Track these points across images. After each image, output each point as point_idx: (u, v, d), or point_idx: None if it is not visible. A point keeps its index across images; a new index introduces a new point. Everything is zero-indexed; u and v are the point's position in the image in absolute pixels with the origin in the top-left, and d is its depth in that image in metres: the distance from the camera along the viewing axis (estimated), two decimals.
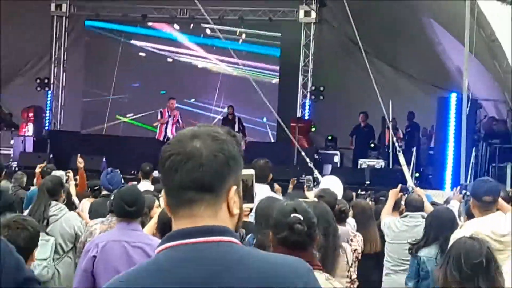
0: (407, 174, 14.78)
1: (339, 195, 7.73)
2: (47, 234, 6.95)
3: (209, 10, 19.14)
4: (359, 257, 7.27)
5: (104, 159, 18.21)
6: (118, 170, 8.94)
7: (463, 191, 9.97)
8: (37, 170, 10.88)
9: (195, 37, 22.62)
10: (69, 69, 23.92)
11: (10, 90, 23.64)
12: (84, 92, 23.39)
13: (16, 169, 16.38)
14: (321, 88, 21.64)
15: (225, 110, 21.15)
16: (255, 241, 4.49)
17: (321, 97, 21.71)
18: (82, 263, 5.44)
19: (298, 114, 21.62)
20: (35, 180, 10.63)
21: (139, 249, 5.31)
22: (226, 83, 22.33)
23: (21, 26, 22.48)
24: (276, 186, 11.05)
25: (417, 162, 18.27)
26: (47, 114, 23.53)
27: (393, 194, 8.79)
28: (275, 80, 22.08)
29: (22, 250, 3.91)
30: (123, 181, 8.85)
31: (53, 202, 7.20)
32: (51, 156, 18.97)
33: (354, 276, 6.62)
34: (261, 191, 6.41)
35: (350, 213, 8.34)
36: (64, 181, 7.78)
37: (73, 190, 9.07)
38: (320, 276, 3.45)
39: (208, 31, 22.13)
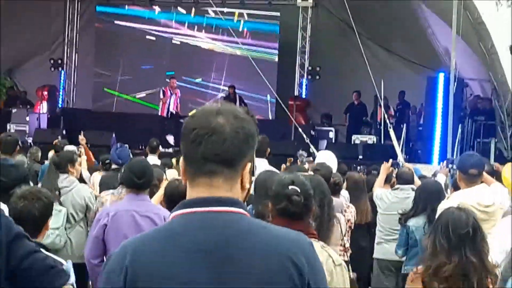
0: (398, 149, 14.77)
1: (334, 169, 7.74)
2: (60, 204, 6.96)
3: None
4: (352, 227, 7.29)
5: (113, 135, 18.20)
6: (127, 145, 8.95)
7: (450, 165, 10.00)
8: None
9: (199, 17, 22.46)
10: (81, 50, 23.84)
11: (25, 70, 23.61)
12: (95, 72, 23.32)
13: (31, 144, 16.36)
14: (318, 69, 21.58)
15: (227, 89, 21.05)
16: (254, 211, 4.49)
17: (318, 77, 21.66)
18: (94, 231, 5.47)
19: (296, 93, 21.58)
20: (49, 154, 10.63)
21: (147, 218, 5.33)
22: (230, 63, 22.21)
23: (37, 10, 22.37)
24: (284, 166, 11.03)
25: (407, 138, 18.25)
26: (60, 93, 23.51)
27: (384, 168, 8.78)
28: (275, 59, 21.97)
29: (37, 220, 3.93)
30: (131, 155, 8.84)
31: (65, 175, 7.19)
32: (64, 132, 18.95)
33: (347, 244, 6.65)
34: (260, 165, 6.42)
35: (344, 185, 8.36)
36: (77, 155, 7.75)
37: (84, 164, 9.06)
38: (316, 244, 3.44)
39: (211, 13, 22.00)
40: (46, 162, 9.93)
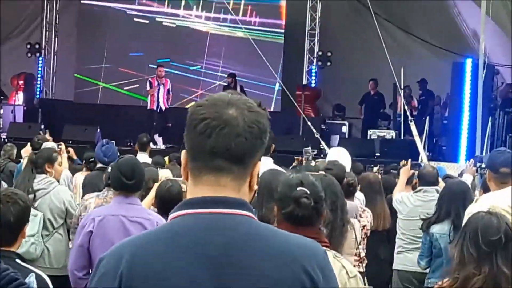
0: (420, 146, 14.77)
1: (348, 168, 7.74)
2: (35, 209, 6.94)
3: None
4: (368, 234, 7.29)
5: (98, 130, 18.22)
6: (114, 142, 8.95)
7: (478, 164, 9.99)
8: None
9: None
10: (61, 33, 23.77)
11: None
12: (77, 59, 23.28)
13: (6, 140, 16.38)
14: (329, 54, 21.54)
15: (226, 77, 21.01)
16: (257, 215, 4.49)
17: (329, 63, 21.62)
18: (78, 239, 5.47)
19: (304, 82, 21.57)
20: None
21: (137, 224, 5.32)
22: (229, 46, 22.15)
23: None
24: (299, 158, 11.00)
25: (430, 132, 18.23)
26: (38, 82, 23.46)
27: (404, 172, 8.76)
28: (280, 40, 21.93)
29: (12, 226, 3.91)
30: (118, 153, 8.84)
31: (42, 176, 7.19)
32: (42, 126, 18.96)
33: (362, 254, 6.65)
34: (264, 163, 6.40)
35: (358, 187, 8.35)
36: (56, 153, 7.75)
37: (65, 164, 9.07)
38: (328, 254, 3.45)
39: None
40: (22, 161, 9.93)
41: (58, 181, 7.61)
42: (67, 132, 18.07)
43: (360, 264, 6.48)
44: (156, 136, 18.59)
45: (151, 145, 12.79)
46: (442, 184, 8.22)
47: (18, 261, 3.84)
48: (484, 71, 15.84)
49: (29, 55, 23.32)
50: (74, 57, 23.31)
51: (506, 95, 19.11)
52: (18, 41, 23.62)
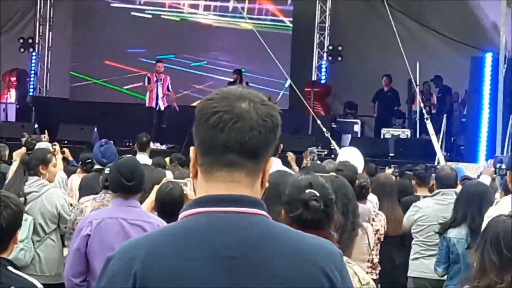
0: (437, 146, 14.76)
1: (360, 169, 7.73)
2: (26, 213, 6.92)
3: None
4: (381, 239, 7.28)
5: (95, 130, 18.23)
6: (112, 142, 8.96)
7: (498, 164, 9.97)
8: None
9: None
10: (56, 27, 23.78)
11: None
12: (73, 54, 23.28)
13: None
14: (339, 48, 21.53)
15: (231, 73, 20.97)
16: None
17: (340, 58, 21.61)
18: (75, 243, 5.47)
19: (314, 78, 21.56)
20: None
21: (138, 227, 5.33)
22: (232, 39, 22.14)
23: None
24: (290, 155, 11.00)
25: (448, 131, 18.22)
26: (32, 78, 23.47)
27: None
28: (289, 31, 21.93)
29: (4, 231, 3.90)
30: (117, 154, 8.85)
31: (34, 178, 7.18)
32: (36, 126, 18.98)
33: (376, 260, 6.65)
34: (272, 164, 6.40)
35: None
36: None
37: (60, 165, 9.07)
38: None
39: None
40: (15, 162, 9.94)
41: (59, 183, 7.61)
42: (62, 132, 18.09)
43: (373, 271, 6.47)
44: (156, 144, 18.44)
45: (152, 145, 12.79)
46: (460, 186, 8.21)
47: (10, 268, 3.83)
48: (505, 66, 15.82)
49: (21, 50, 23.34)
50: (69, 52, 23.30)
51: None
52: (10, 36, 23.58)
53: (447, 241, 7.16)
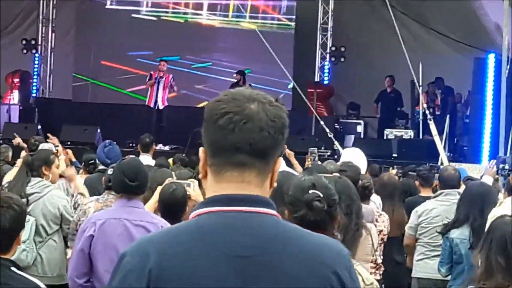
0: (440, 146, 14.73)
1: (363, 170, 7.72)
2: (28, 214, 6.92)
3: None
4: (385, 239, 7.27)
5: (98, 130, 18.23)
6: (115, 143, 8.96)
7: (501, 165, 9.97)
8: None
9: None
10: (59, 28, 23.78)
11: None
12: (76, 55, 23.27)
13: (0, 142, 16.40)
14: (342, 49, 21.52)
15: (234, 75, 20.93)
16: None
17: (342, 59, 21.60)
18: (78, 244, 5.46)
19: (317, 78, 21.54)
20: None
21: (141, 228, 5.32)
22: (237, 40, 22.06)
23: None
24: (288, 151, 10.94)
25: (451, 132, 18.20)
26: (35, 80, 23.47)
27: None
28: (291, 31, 21.91)
29: (7, 232, 3.90)
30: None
31: (37, 179, 7.17)
32: (39, 127, 18.99)
33: (379, 260, 6.64)
34: None
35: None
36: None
37: (63, 166, 9.06)
38: None
39: None
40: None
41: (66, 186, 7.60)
42: (66, 133, 18.08)
43: (377, 271, 6.46)
44: (160, 145, 18.42)
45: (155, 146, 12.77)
46: (463, 186, 8.20)
47: (13, 269, 3.84)
48: (508, 66, 15.80)
49: (24, 51, 23.31)
50: (72, 54, 23.30)
51: None
52: (13, 37, 23.58)
53: (450, 241, 7.15)
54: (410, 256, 8.42)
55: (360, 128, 19.79)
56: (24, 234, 6.77)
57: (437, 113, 19.09)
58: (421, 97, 17.05)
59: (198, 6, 22.45)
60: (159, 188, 5.95)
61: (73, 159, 11.32)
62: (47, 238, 7.15)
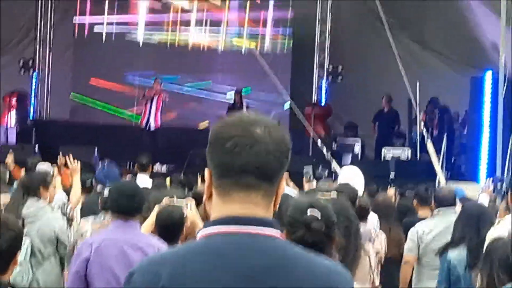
0: (437, 166, 14.73)
1: (360, 190, 7.70)
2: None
3: None
4: (382, 259, 7.26)
5: (95, 150, 18.22)
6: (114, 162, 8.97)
7: (498, 184, 9.96)
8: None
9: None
10: (56, 49, 23.81)
11: None
12: (73, 76, 23.28)
13: None
14: (340, 68, 21.57)
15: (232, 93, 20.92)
16: None
17: (340, 78, 21.64)
18: (74, 266, 5.44)
19: (314, 97, 21.55)
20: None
21: (138, 250, 5.30)
22: (235, 61, 22.13)
23: (2, 1, 22.38)
24: (291, 184, 11.01)
25: (448, 151, 18.20)
26: (32, 101, 23.48)
27: None
28: (287, 50, 21.95)
29: (4, 253, 3.89)
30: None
31: (33, 199, 7.16)
32: (36, 148, 18.97)
33: (377, 281, 6.62)
34: None
35: None
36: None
37: (59, 186, 9.06)
38: None
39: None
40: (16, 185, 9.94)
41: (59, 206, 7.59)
42: (63, 153, 17.99)
43: None
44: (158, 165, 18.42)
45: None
46: (459, 205, 8.19)
47: None
48: (505, 85, 15.81)
49: (22, 71, 23.33)
50: (69, 74, 23.32)
51: None
52: (10, 57, 23.55)
53: (448, 262, 7.13)
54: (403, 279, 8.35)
55: (357, 148, 19.79)
56: (20, 256, 6.75)
57: (436, 131, 19.08)
58: (418, 117, 17.04)
59: (197, 25, 22.52)
60: (155, 209, 5.93)
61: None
62: (44, 260, 7.12)
